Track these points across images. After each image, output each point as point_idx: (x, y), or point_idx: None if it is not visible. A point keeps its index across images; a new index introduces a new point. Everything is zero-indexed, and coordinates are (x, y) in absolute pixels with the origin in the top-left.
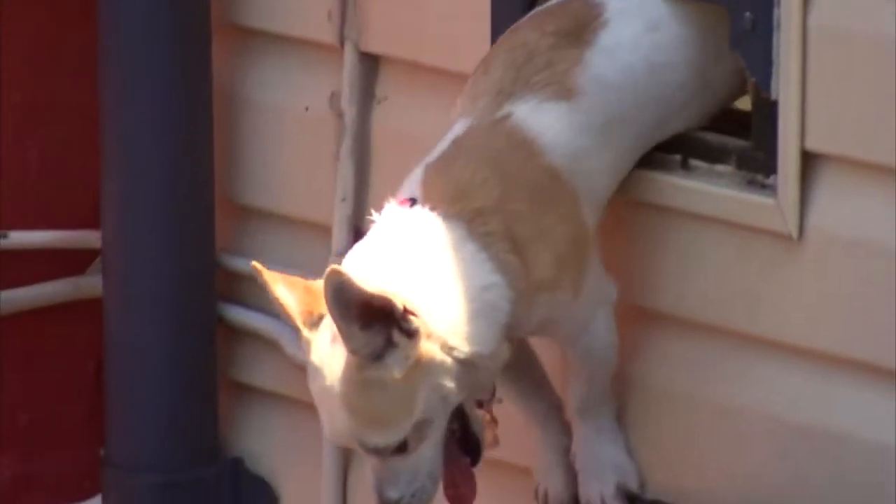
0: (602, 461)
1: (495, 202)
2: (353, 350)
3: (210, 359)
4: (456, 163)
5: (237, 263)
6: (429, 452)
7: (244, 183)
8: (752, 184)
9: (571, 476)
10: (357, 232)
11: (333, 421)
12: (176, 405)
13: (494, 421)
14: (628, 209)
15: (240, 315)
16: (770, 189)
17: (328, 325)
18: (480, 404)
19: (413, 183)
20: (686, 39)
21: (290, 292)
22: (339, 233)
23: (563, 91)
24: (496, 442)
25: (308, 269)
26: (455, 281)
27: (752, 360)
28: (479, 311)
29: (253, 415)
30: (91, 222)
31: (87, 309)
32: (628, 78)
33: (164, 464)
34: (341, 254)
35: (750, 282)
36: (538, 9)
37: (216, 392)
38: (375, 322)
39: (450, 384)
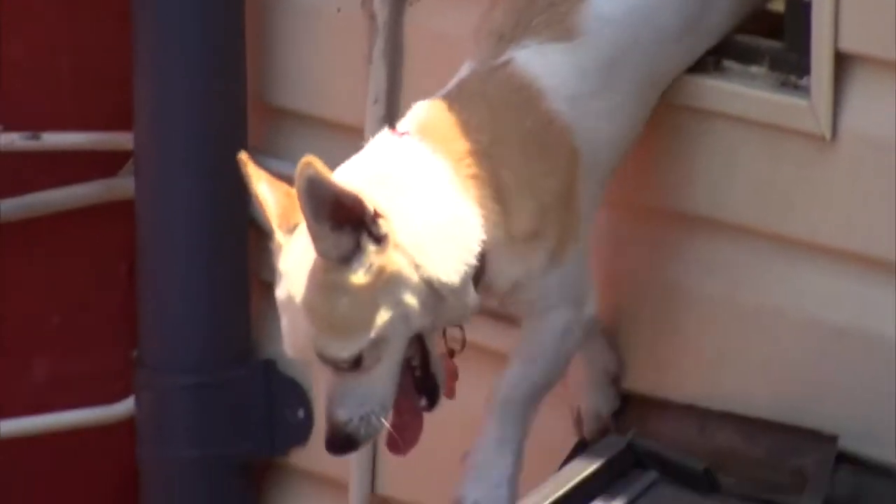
0: (488, 471)
1: (485, 147)
2: (320, 251)
3: (242, 260)
4: (453, 104)
5: (269, 165)
6: (383, 375)
7: (276, 85)
8: (785, 85)
9: (611, 393)
10: None
11: (293, 328)
12: (208, 307)
13: (455, 374)
14: (662, 112)
15: None
16: (803, 90)
17: (302, 233)
18: (452, 353)
19: (411, 118)
20: None
21: (272, 193)
22: (371, 134)
23: (564, 32)
24: (452, 395)
25: None
26: (430, 206)
27: (785, 261)
28: (450, 239)
29: None
30: (123, 124)
31: (119, 210)
32: (631, 11)
33: (197, 365)
34: None
35: (783, 183)
36: None
37: (248, 293)
38: (346, 224)
39: (413, 302)
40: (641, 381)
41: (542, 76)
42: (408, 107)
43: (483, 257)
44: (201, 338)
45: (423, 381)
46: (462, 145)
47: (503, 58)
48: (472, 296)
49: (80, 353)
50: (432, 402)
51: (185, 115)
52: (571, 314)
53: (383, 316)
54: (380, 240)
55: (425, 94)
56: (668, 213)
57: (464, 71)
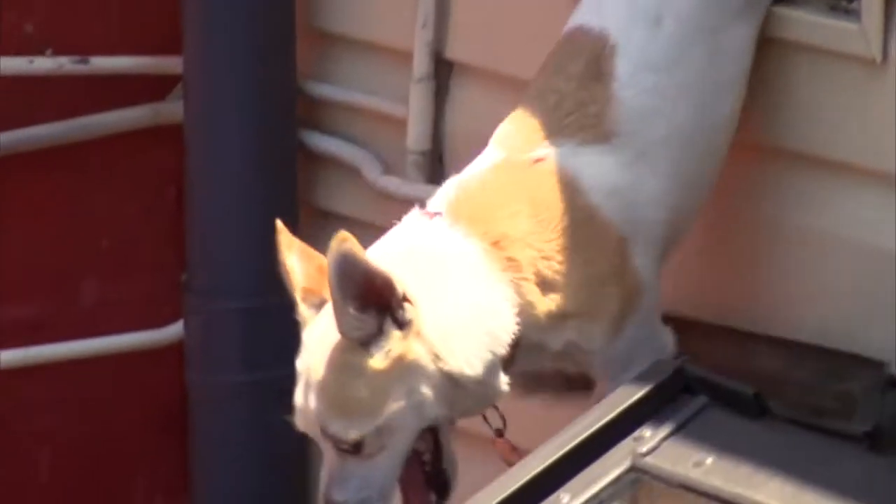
0: None
1: (522, 234)
2: (342, 329)
3: (291, 184)
4: (487, 188)
5: (318, 90)
6: (385, 463)
7: (325, 9)
8: (835, 9)
9: None
10: (438, 58)
11: (304, 401)
12: (256, 231)
13: (513, 450)
14: None
15: (321, 142)
16: (854, 14)
17: (329, 312)
18: (501, 433)
19: (441, 198)
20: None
21: (301, 264)
22: (419, 59)
23: (599, 135)
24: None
25: (388, 95)
26: (459, 295)
27: (835, 185)
28: (476, 332)
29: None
30: (172, 48)
31: (167, 135)
32: (658, 95)
33: (245, 289)
34: (421, 79)
35: (833, 107)
36: (549, 54)
37: (297, 217)
38: (372, 305)
39: (428, 393)
40: (684, 305)
41: (582, 174)
42: (456, 31)
43: (517, 342)
44: (249, 262)
45: (433, 476)
46: (497, 228)
47: (538, 153)
48: (500, 381)
49: (129, 277)
50: (442, 498)
51: (233, 40)
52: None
53: (394, 404)
54: (403, 325)
55: (473, 19)
56: None
57: (490, 157)
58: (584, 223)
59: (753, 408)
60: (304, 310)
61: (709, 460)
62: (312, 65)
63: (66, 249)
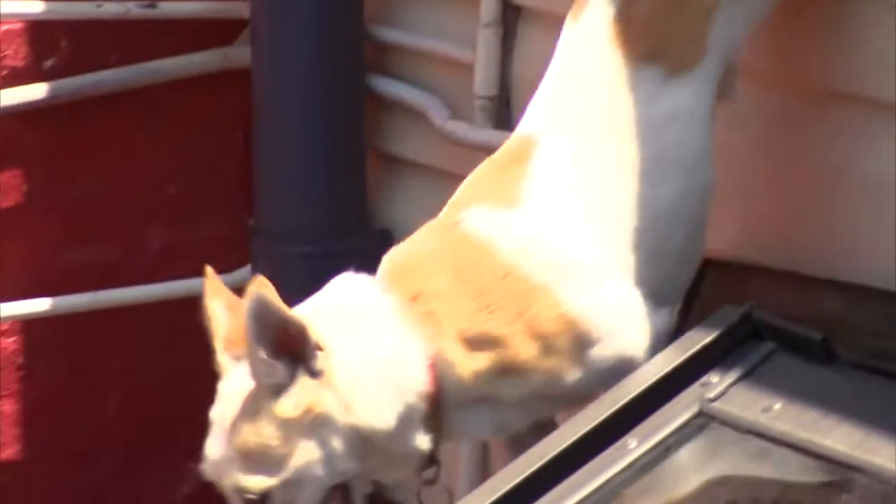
0: None
1: (443, 291)
2: (255, 374)
3: (359, 129)
4: (414, 249)
5: (386, 34)
6: None
7: None
8: None
9: None
10: (506, 3)
11: (212, 447)
12: (324, 175)
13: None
14: None
15: (388, 86)
16: None
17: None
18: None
19: (382, 262)
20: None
21: (227, 314)
22: (487, 4)
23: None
24: None
25: (456, 40)
26: (370, 346)
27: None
28: (385, 381)
29: (401, 186)
30: None
31: (235, 79)
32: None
33: (313, 234)
34: (489, 24)
35: (884, 46)
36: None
37: (364, 163)
38: (285, 354)
39: (337, 446)
40: (751, 250)
41: (496, 235)
42: None
43: (437, 398)
44: (317, 207)
45: None
46: (417, 285)
47: (456, 217)
48: (417, 438)
49: (197, 221)
50: None
51: None
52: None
53: (303, 456)
54: (315, 375)
55: None
56: (783, 82)
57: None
58: (502, 281)
59: (821, 353)
60: (224, 360)
61: (777, 406)
62: (381, 9)
63: (135, 194)
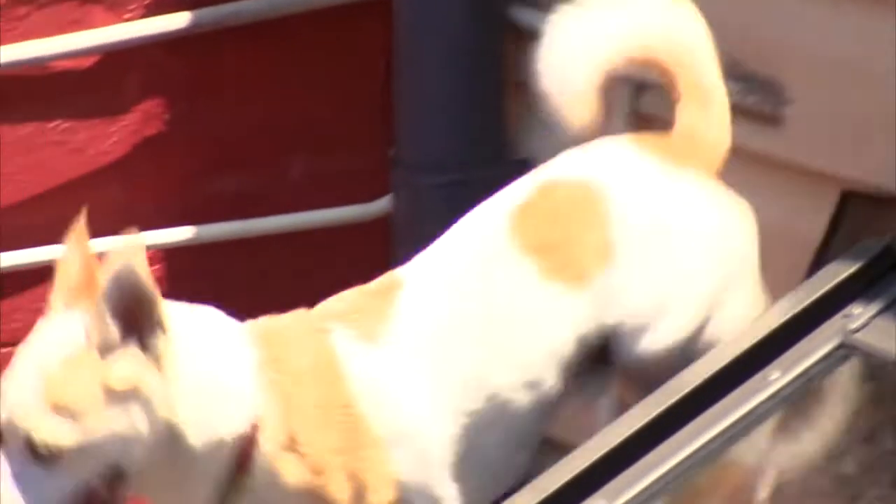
0: None
1: (299, 373)
2: (89, 328)
3: (499, 60)
4: (287, 326)
5: None
6: (64, 484)
7: None
8: None
9: None
10: None
11: (13, 387)
12: (465, 106)
13: None
14: None
15: (530, 17)
16: None
17: (83, 315)
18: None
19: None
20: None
21: (78, 264)
22: None
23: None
24: None
25: None
26: (223, 366)
27: None
28: (213, 402)
29: (541, 117)
30: None
31: (377, 8)
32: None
33: (453, 164)
34: None
35: None
36: None
37: (505, 94)
38: (131, 320)
39: (143, 433)
40: (887, 180)
41: (351, 364)
42: None
43: (246, 459)
44: (458, 137)
45: None
46: (280, 353)
47: (329, 326)
48: (207, 474)
49: (338, 151)
50: None
51: None
52: None
53: (112, 425)
54: (147, 349)
55: None
56: None
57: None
58: (345, 409)
59: None
60: (56, 302)
61: None
62: None
63: (276, 123)
